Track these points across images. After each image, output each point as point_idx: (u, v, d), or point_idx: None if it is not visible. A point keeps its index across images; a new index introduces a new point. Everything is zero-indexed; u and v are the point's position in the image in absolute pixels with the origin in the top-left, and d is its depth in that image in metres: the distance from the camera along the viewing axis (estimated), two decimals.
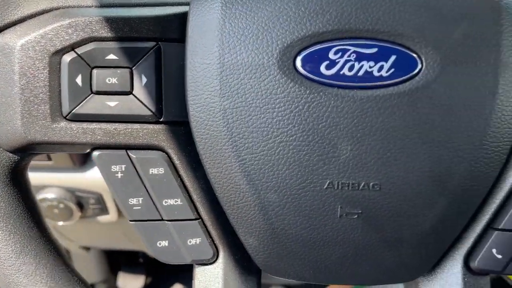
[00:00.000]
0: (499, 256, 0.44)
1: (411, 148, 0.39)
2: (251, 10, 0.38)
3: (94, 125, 0.42)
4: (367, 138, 0.39)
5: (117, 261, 1.56)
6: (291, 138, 0.39)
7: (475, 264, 0.45)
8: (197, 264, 0.47)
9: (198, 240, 0.44)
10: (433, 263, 0.45)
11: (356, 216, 0.41)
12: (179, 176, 0.44)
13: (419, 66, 0.38)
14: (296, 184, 0.40)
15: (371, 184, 0.40)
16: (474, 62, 0.38)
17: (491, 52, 0.38)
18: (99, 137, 0.42)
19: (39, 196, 1.01)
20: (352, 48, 0.38)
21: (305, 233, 0.42)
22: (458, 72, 0.38)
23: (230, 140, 0.40)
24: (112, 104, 0.41)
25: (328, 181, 0.40)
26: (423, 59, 0.38)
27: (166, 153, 0.43)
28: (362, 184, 0.40)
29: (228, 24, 0.39)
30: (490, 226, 0.44)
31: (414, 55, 0.38)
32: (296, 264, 0.44)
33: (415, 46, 0.38)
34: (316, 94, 0.38)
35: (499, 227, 0.43)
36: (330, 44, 0.38)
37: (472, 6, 0.38)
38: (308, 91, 0.38)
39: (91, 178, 0.99)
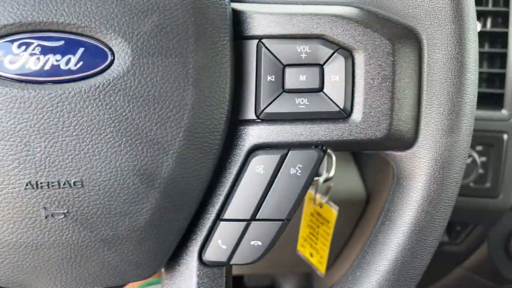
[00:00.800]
0: (224, 247, 0.44)
1: (110, 143, 0.38)
2: None
3: None
4: (61, 134, 0.37)
5: None
6: None
7: (205, 256, 0.45)
8: None
9: None
10: (165, 259, 0.45)
11: (63, 216, 0.39)
12: None
13: (110, 58, 0.37)
14: None
15: (72, 181, 0.38)
16: (169, 54, 0.38)
17: (187, 43, 0.39)
18: None
19: None
20: (36, 42, 0.37)
21: (14, 237, 0.40)
22: (152, 63, 0.38)
23: None
24: None
25: (26, 182, 0.38)
26: (114, 51, 0.37)
27: None
28: (63, 182, 0.38)
29: None
30: (219, 218, 0.44)
31: (104, 47, 0.37)
32: (16, 271, 0.42)
33: (105, 38, 0.37)
34: (1, 90, 0.36)
35: (223, 218, 0.44)
36: (12, 38, 0.36)
37: None
38: None
39: None
